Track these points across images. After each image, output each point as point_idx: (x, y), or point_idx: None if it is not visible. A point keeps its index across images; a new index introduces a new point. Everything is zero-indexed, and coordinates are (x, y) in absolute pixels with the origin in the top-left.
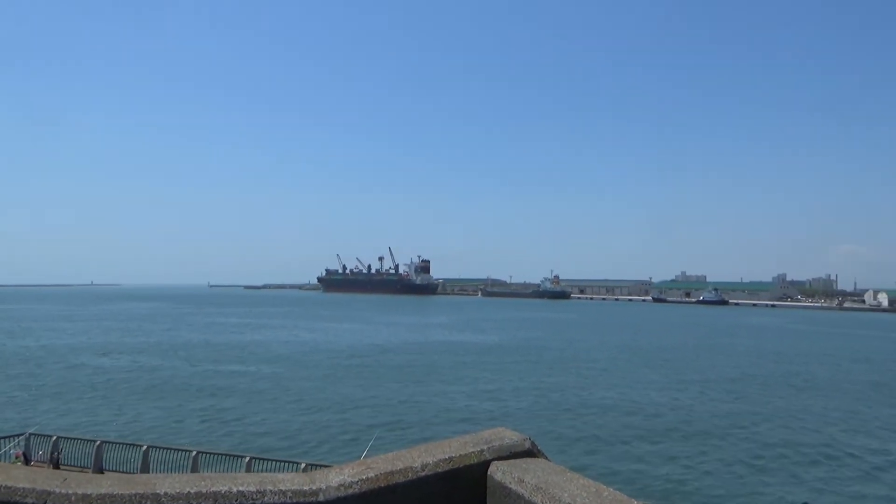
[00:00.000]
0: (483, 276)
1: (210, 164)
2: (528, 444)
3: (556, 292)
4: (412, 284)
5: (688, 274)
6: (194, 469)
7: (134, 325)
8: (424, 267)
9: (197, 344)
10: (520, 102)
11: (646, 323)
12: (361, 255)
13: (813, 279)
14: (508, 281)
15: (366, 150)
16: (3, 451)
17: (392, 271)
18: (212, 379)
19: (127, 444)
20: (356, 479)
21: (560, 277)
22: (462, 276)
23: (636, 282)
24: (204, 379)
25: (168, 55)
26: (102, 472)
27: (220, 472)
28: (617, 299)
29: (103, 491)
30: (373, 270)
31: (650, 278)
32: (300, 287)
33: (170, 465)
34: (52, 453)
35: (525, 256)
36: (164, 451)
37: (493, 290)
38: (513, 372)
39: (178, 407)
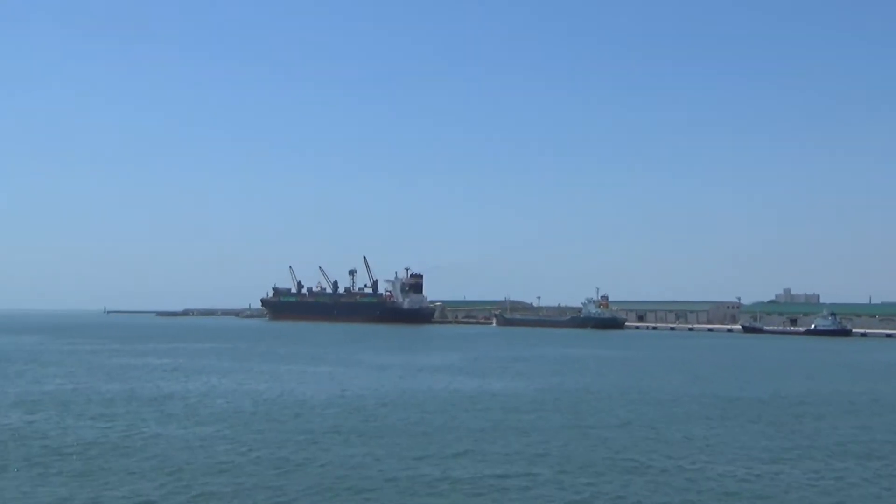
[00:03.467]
0: (499, 296)
1: (105, 155)
2: None
3: (604, 319)
4: (398, 309)
5: (793, 292)
6: None
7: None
8: (415, 284)
9: (100, 395)
10: (551, 50)
11: (741, 363)
12: (325, 266)
13: None
14: (536, 304)
15: (327, 115)
16: None
17: (369, 290)
18: (124, 447)
19: None
20: None
21: (609, 298)
22: (468, 298)
23: (719, 303)
24: (111, 447)
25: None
26: None
27: None
28: (691, 328)
29: None
30: (341, 289)
31: (739, 298)
32: (237, 313)
33: None
34: None
35: (559, 269)
36: None
37: (515, 316)
38: (552, 434)
39: (77, 488)
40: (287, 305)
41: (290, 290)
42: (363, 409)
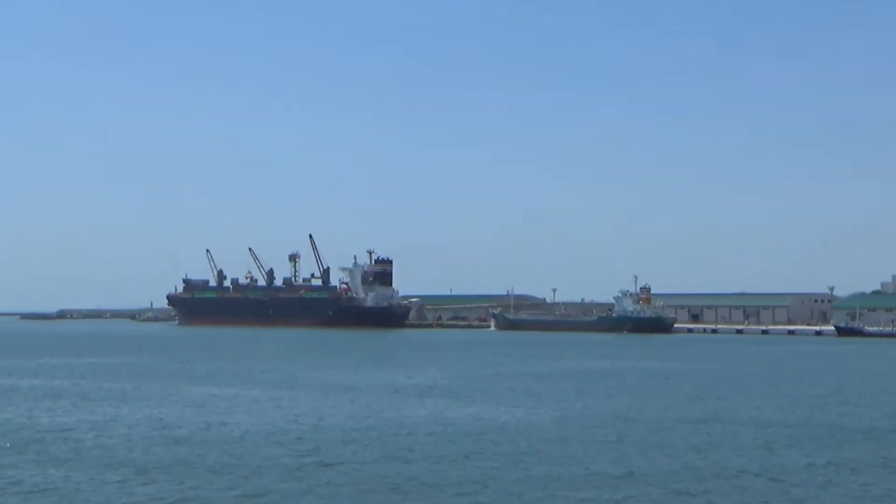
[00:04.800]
0: (499, 290)
1: None
2: None
3: (645, 320)
4: (358, 308)
5: None
6: None
7: None
8: (381, 273)
9: None
10: None
11: (838, 378)
12: (257, 249)
13: None
14: (550, 299)
15: (263, 42)
16: None
17: (318, 281)
18: None
19: None
20: None
21: (652, 291)
22: (457, 292)
23: (803, 296)
24: None
25: None
26: None
27: None
28: (766, 331)
29: None
30: (279, 280)
31: (831, 290)
32: (133, 315)
33: None
34: None
35: (581, 252)
36: None
37: (521, 316)
38: (590, 486)
39: None
40: (204, 304)
41: (207, 282)
42: (320, 450)
